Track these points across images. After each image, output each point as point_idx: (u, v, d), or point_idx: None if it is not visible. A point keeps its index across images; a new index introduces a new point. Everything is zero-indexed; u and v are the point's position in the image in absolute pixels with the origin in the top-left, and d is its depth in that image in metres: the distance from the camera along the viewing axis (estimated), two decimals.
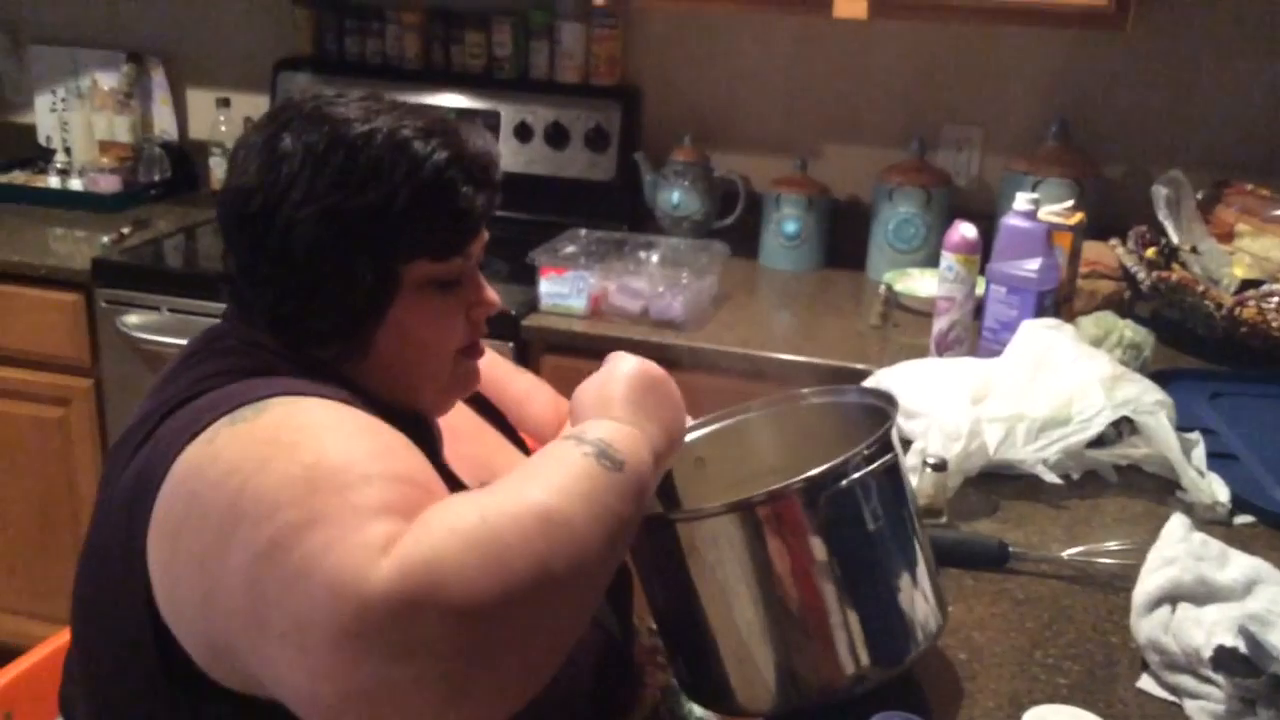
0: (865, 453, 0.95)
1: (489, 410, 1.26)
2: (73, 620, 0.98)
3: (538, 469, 0.86)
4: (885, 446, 0.97)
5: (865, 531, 0.95)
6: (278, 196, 0.94)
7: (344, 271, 0.95)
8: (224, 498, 0.80)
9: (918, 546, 1.00)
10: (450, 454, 1.08)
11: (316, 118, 0.97)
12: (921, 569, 1.00)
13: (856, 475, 0.94)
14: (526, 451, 1.27)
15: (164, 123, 2.94)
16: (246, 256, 0.98)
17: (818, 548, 0.94)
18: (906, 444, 1.41)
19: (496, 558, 0.75)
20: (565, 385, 1.50)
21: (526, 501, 0.80)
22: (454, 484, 0.99)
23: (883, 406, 1.07)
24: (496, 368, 1.34)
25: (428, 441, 1.01)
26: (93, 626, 0.95)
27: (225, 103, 2.76)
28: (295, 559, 0.75)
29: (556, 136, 2.58)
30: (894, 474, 0.99)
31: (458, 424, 1.15)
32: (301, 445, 0.81)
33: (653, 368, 1.00)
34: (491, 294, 1.06)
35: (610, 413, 0.94)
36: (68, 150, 2.91)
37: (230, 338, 1.00)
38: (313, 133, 0.95)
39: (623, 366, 0.99)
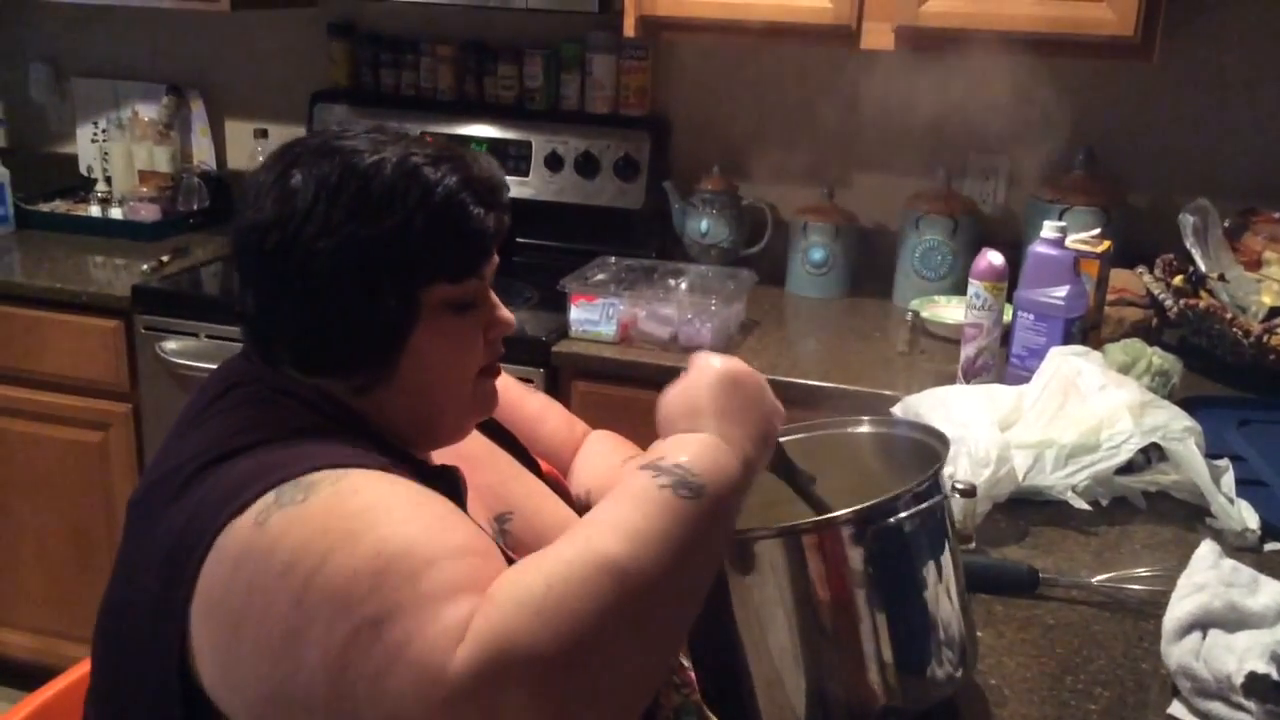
0: (917, 490, 0.96)
1: (500, 434, 1.27)
2: (93, 668, 0.99)
3: (613, 510, 0.84)
4: (935, 485, 0.99)
5: (909, 567, 0.97)
6: (294, 230, 0.94)
7: (366, 300, 0.95)
8: (288, 594, 0.81)
9: (955, 583, 1.01)
10: (468, 484, 1.08)
11: (326, 151, 0.98)
12: (959, 605, 1.01)
13: (906, 513, 0.95)
14: (540, 473, 1.28)
15: (203, 153, 3.00)
16: (267, 293, 0.98)
17: (860, 580, 0.94)
18: None
19: (566, 623, 0.76)
20: (595, 410, 1.53)
21: (594, 557, 0.79)
22: None
23: (934, 445, 1.06)
24: (508, 390, 1.33)
25: (457, 494, 1.02)
26: (115, 679, 0.96)
27: (263, 133, 2.82)
28: (377, 654, 0.77)
29: (587, 166, 2.61)
30: (940, 512, 1.00)
31: (471, 451, 1.15)
32: (359, 534, 0.81)
33: (738, 367, 0.97)
34: (507, 314, 1.07)
35: (696, 424, 0.93)
36: (108, 180, 2.97)
37: (256, 384, 0.99)
38: (323, 165, 0.96)
39: (707, 371, 0.96)
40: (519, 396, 1.38)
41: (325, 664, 0.79)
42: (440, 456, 1.10)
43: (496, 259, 1.05)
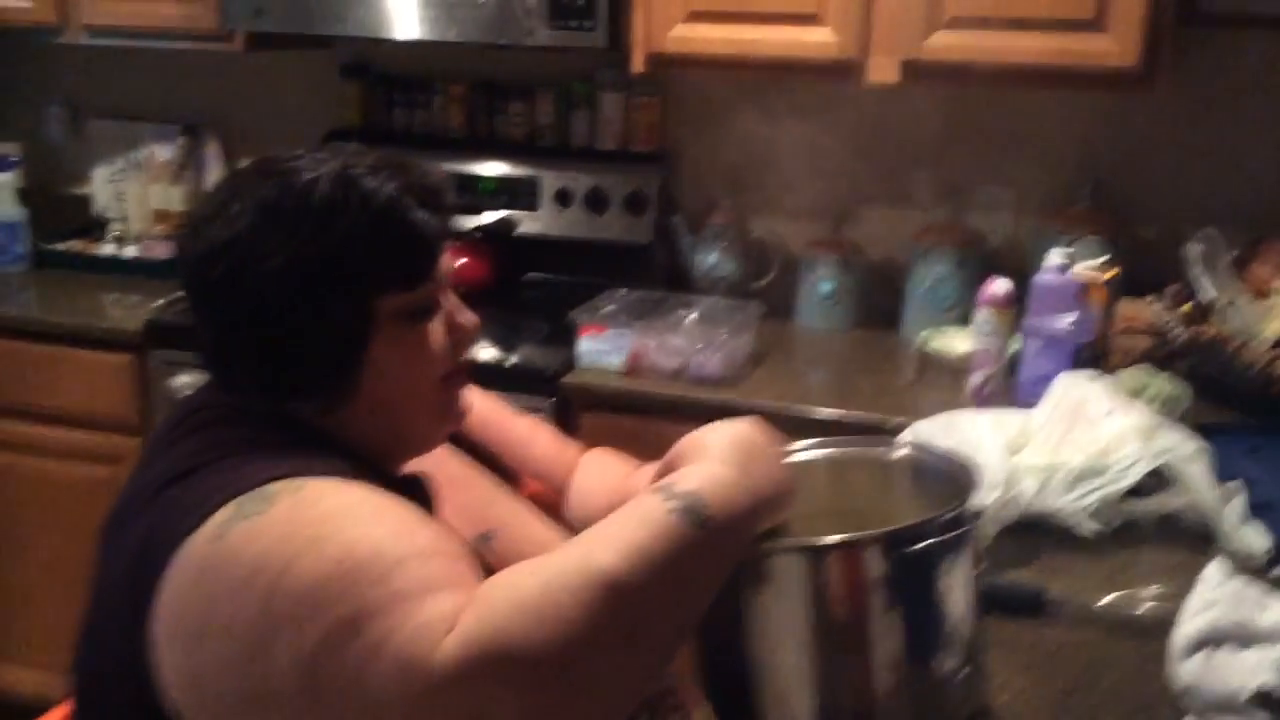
0: (946, 518, 0.96)
1: (483, 457, 1.26)
2: (73, 698, 0.98)
3: (617, 526, 0.84)
4: (964, 515, 0.98)
5: (930, 594, 0.96)
6: (240, 257, 0.93)
7: (319, 316, 0.94)
8: (253, 603, 0.80)
9: (973, 611, 1.01)
10: (446, 505, 1.07)
11: (264, 174, 0.97)
12: (973, 632, 1.01)
13: (933, 540, 0.94)
14: (524, 495, 1.27)
15: None
16: (221, 324, 0.97)
17: (879, 602, 0.94)
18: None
19: (560, 629, 0.76)
20: (604, 441, 1.54)
21: (593, 569, 0.79)
22: None
23: (964, 476, 1.06)
24: (495, 411, 1.33)
25: (425, 502, 1.01)
26: (90, 707, 0.95)
27: None
28: (355, 650, 0.76)
29: (596, 201, 2.64)
30: (965, 541, 1.00)
31: (451, 472, 1.15)
32: (322, 539, 0.81)
33: (758, 429, 0.97)
34: (470, 316, 1.05)
35: (718, 455, 0.92)
36: (123, 219, 3.01)
37: (216, 407, 0.99)
38: (262, 188, 0.96)
39: (729, 423, 0.97)
40: (506, 418, 1.37)
41: (298, 666, 0.78)
42: (419, 472, 1.08)
43: (452, 261, 1.04)
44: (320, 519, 0.83)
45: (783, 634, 0.96)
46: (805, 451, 1.16)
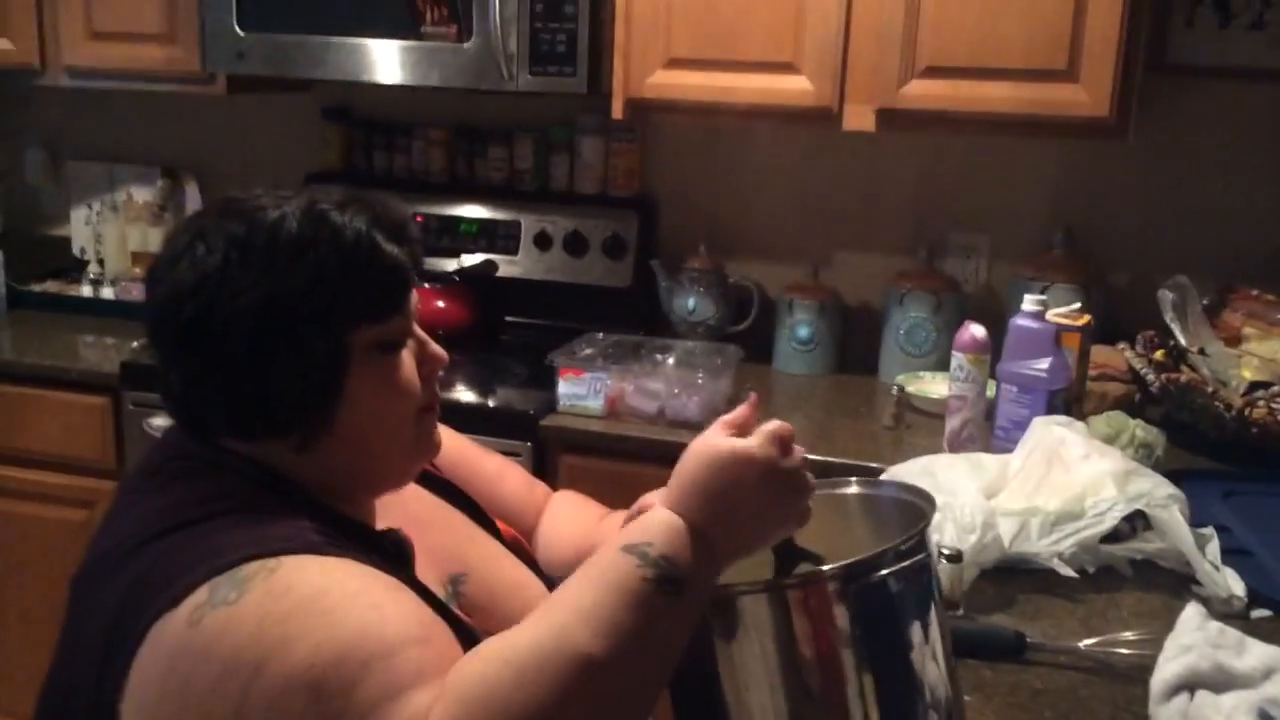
0: (902, 547, 0.96)
1: (456, 497, 1.25)
2: None
3: (590, 595, 0.83)
4: (921, 543, 0.99)
5: (894, 625, 0.96)
6: (210, 296, 0.93)
7: (294, 352, 0.94)
8: (227, 704, 0.79)
9: (942, 643, 1.01)
10: (419, 547, 1.06)
11: (229, 213, 0.97)
12: (945, 666, 1.01)
13: (891, 569, 0.94)
14: (498, 535, 1.26)
15: None
16: (192, 366, 0.95)
17: (844, 637, 0.94)
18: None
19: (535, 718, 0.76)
20: (582, 484, 1.54)
21: (570, 652, 0.78)
22: (426, 598, 0.95)
23: (920, 505, 1.06)
24: (465, 450, 1.33)
25: (403, 558, 1.00)
26: None
27: None
28: None
29: (575, 245, 2.65)
30: (926, 571, 1.00)
31: (425, 513, 1.14)
32: (290, 640, 0.80)
33: (774, 465, 0.92)
34: (436, 348, 1.05)
35: (695, 503, 0.89)
36: (101, 261, 3.00)
37: (191, 458, 0.97)
38: (230, 226, 0.95)
39: (752, 449, 0.91)
40: (476, 457, 1.36)
41: None
42: (393, 519, 1.07)
43: (417, 297, 1.04)
44: (289, 614, 0.81)
45: (750, 676, 0.95)
46: None
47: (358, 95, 2.85)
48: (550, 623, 0.81)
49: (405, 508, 1.10)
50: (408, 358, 1.02)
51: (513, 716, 0.75)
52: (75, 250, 3.10)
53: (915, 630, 0.97)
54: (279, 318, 0.93)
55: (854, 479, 1.18)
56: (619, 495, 1.37)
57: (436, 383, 1.06)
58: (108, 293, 2.86)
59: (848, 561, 0.94)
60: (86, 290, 2.89)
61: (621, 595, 0.82)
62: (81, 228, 3.11)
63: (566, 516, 1.38)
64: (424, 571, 1.03)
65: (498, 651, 0.79)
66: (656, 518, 0.89)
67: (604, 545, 0.89)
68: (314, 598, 0.83)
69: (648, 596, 0.83)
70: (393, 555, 0.98)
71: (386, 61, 2.35)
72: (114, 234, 2.99)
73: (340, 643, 0.79)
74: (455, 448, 1.13)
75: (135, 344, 2.51)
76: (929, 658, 0.98)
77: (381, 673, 0.78)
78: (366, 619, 0.82)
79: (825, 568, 0.94)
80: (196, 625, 0.82)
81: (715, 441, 0.92)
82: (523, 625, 0.82)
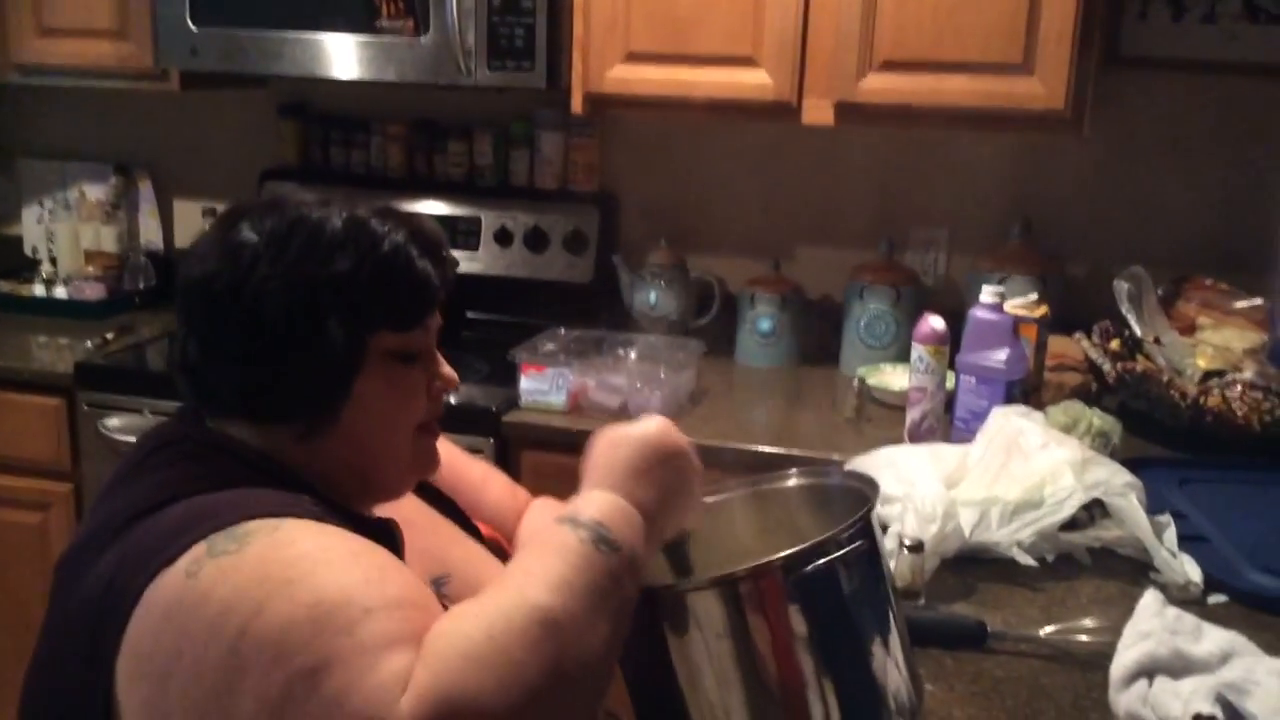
0: (846, 533, 0.97)
1: (440, 501, 1.27)
2: None
3: (537, 562, 0.87)
4: (865, 528, 0.99)
5: (844, 611, 0.97)
6: (244, 273, 0.96)
7: (313, 340, 0.97)
8: (223, 643, 0.80)
9: (895, 628, 1.02)
10: (408, 549, 1.08)
11: (273, 206, 1.01)
12: (899, 650, 1.01)
13: (836, 554, 0.95)
14: (481, 539, 1.28)
15: (150, 233, 3.00)
16: (213, 338, 0.99)
17: (797, 626, 0.95)
18: (883, 527, 1.44)
19: (510, 674, 0.77)
20: (545, 480, 1.53)
21: (529, 608, 0.81)
22: None
23: (864, 490, 1.08)
24: (451, 455, 1.34)
25: (395, 547, 1.02)
26: None
27: (212, 212, 2.82)
28: (314, 706, 0.76)
29: (536, 240, 2.64)
30: (873, 555, 1.01)
31: (411, 516, 1.15)
32: (295, 583, 0.81)
33: (670, 439, 1.01)
34: (449, 370, 1.09)
35: (610, 480, 0.96)
36: (53, 260, 2.95)
37: (187, 440, 0.99)
38: (272, 218, 0.99)
39: (640, 429, 1.00)
40: (462, 464, 1.39)
41: (259, 714, 0.77)
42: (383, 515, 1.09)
43: (440, 320, 1.08)
44: (294, 560, 0.84)
45: (706, 672, 0.96)
46: (713, 496, 1.17)
47: (314, 91, 2.82)
48: (507, 586, 0.85)
49: (394, 509, 1.11)
50: (420, 372, 1.05)
51: (490, 674, 0.77)
52: (27, 249, 3.05)
53: (866, 617, 0.98)
54: (304, 304, 0.97)
55: (794, 470, 1.18)
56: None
57: (442, 403, 1.10)
58: (61, 292, 2.81)
59: (793, 550, 0.95)
60: (39, 290, 2.84)
61: (564, 556, 0.87)
62: (34, 226, 3.06)
63: (536, 524, 1.38)
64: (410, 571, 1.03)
65: (467, 613, 0.82)
66: (578, 497, 0.96)
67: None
68: (318, 549, 0.86)
69: (588, 555, 0.87)
70: (386, 545, 0.98)
71: (343, 56, 2.33)
72: (67, 232, 2.94)
73: (344, 588, 0.82)
74: (443, 454, 1.14)
75: (90, 344, 2.47)
76: (884, 645, 0.99)
77: (383, 621, 0.80)
78: (369, 574, 0.84)
79: (771, 558, 0.95)
80: (194, 576, 0.83)
81: (614, 427, 1.02)
82: (485, 592, 0.85)
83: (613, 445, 0.99)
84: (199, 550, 0.84)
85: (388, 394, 1.02)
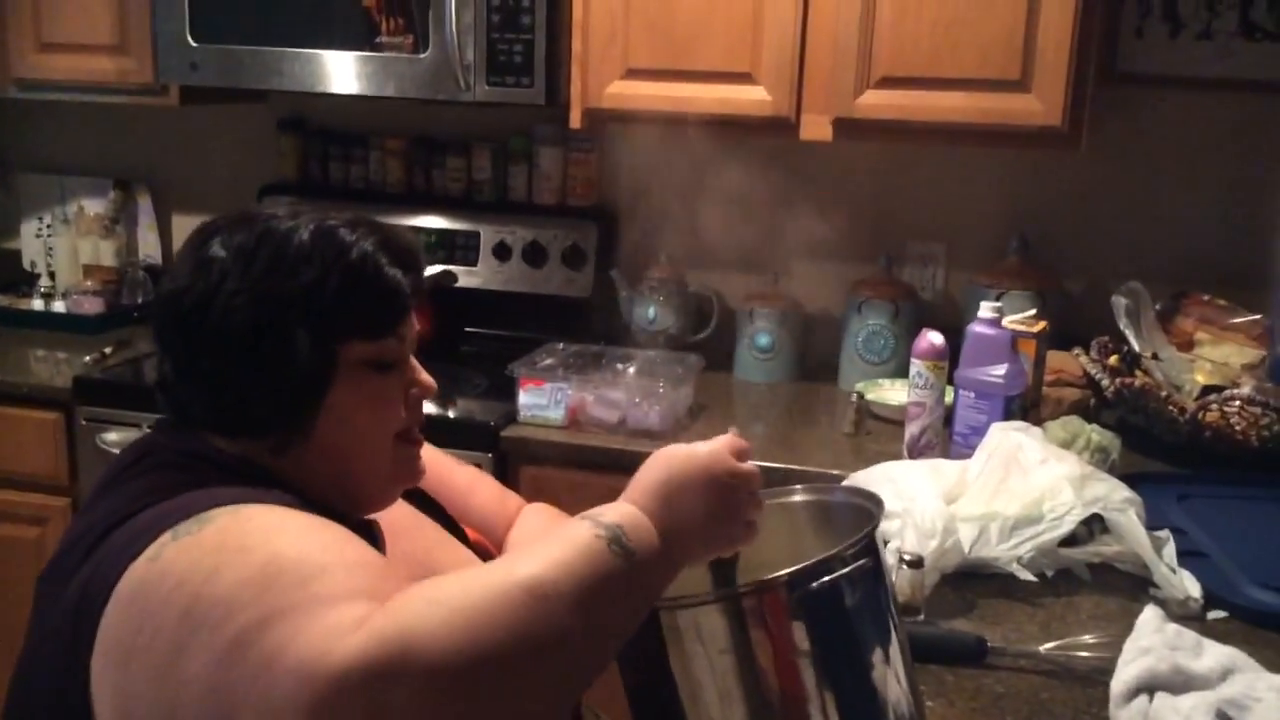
0: (851, 550, 0.96)
1: (429, 506, 1.26)
2: None
3: (543, 545, 0.86)
4: (870, 546, 0.99)
5: (847, 628, 0.97)
6: (211, 289, 0.96)
7: (282, 351, 0.96)
8: (176, 610, 0.79)
9: (897, 644, 1.01)
10: (390, 552, 1.07)
11: (243, 220, 1.01)
12: (901, 667, 1.01)
13: (841, 571, 0.95)
14: (469, 544, 1.27)
15: (149, 247, 3.00)
16: (183, 353, 0.99)
17: (800, 642, 0.94)
18: (883, 542, 1.43)
19: (470, 625, 0.75)
20: (544, 495, 1.53)
21: (515, 574, 0.80)
22: None
23: (868, 507, 1.08)
24: (437, 462, 1.34)
25: (372, 542, 1.01)
26: None
27: None
28: (261, 651, 0.74)
29: (534, 255, 2.65)
30: (877, 573, 1.00)
31: (396, 520, 1.15)
32: (251, 548, 0.81)
33: (718, 464, 0.96)
34: (427, 377, 1.08)
35: (636, 496, 0.93)
36: (52, 274, 2.95)
37: (166, 451, 0.99)
38: (241, 233, 0.99)
39: (689, 450, 0.96)
40: (448, 469, 1.38)
41: (207, 670, 0.76)
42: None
43: (416, 327, 1.07)
44: (251, 531, 0.84)
45: (707, 686, 0.95)
46: None
47: (313, 106, 2.83)
48: (506, 556, 0.86)
49: (381, 514, 1.10)
50: (396, 381, 1.04)
51: (448, 624, 0.75)
52: (26, 264, 3.05)
53: (869, 634, 0.98)
54: (271, 318, 0.96)
55: (799, 486, 1.18)
56: (581, 505, 1.34)
57: (421, 410, 1.08)
58: (59, 306, 2.81)
59: (797, 567, 0.94)
60: (38, 304, 2.84)
61: (572, 543, 0.85)
62: (32, 240, 3.06)
63: (534, 527, 1.38)
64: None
65: (451, 574, 0.81)
66: (612, 504, 0.94)
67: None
68: (277, 523, 0.86)
69: (597, 550, 0.86)
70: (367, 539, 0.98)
71: (342, 72, 2.34)
72: (65, 247, 2.95)
73: (301, 550, 0.82)
74: (428, 459, 1.14)
75: (88, 359, 2.47)
76: (886, 662, 0.99)
77: (339, 577, 0.79)
78: (329, 542, 0.84)
79: (775, 575, 0.94)
80: (156, 559, 0.83)
81: (672, 447, 0.97)
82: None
83: (654, 462, 0.96)
84: (164, 538, 0.85)
85: (363, 404, 1.01)
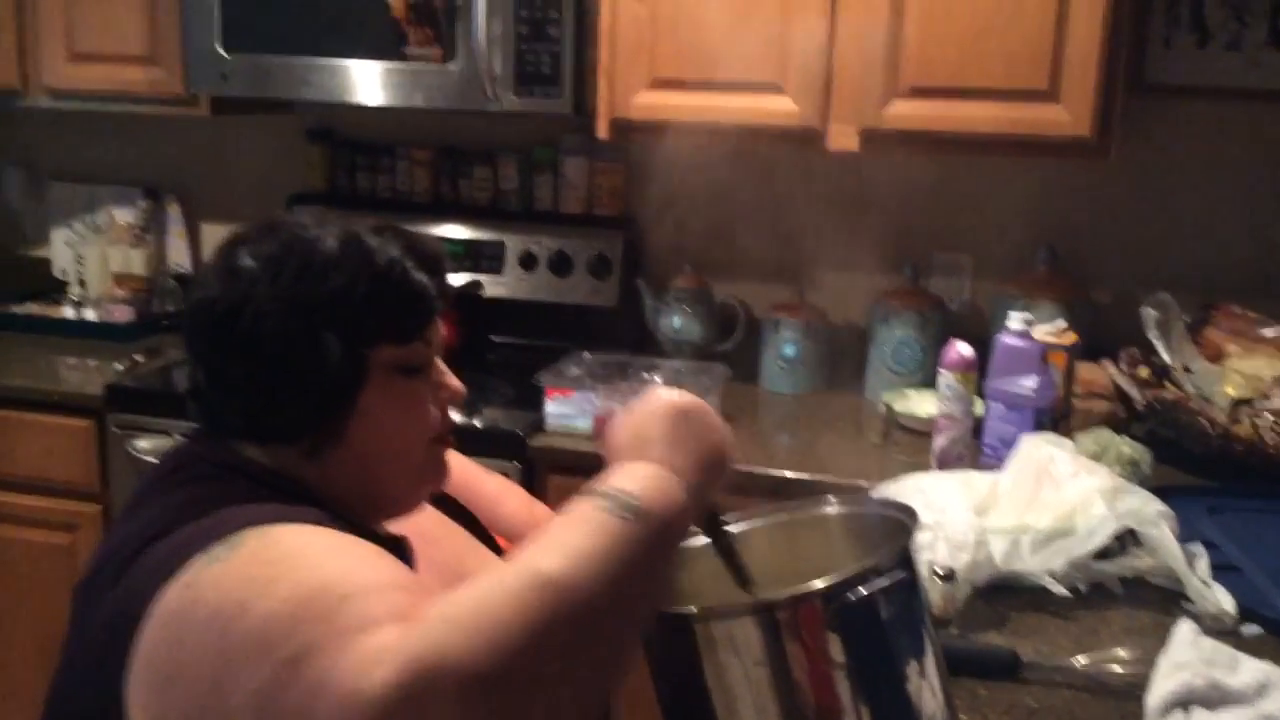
0: (887, 562, 0.96)
1: (459, 513, 1.27)
2: None
3: (552, 531, 0.86)
4: (906, 558, 0.99)
5: (883, 641, 0.96)
6: (241, 297, 0.98)
7: (313, 356, 0.98)
8: (211, 645, 0.81)
9: (933, 658, 1.01)
10: (422, 559, 1.07)
11: (270, 229, 1.03)
12: (936, 680, 1.01)
13: (877, 583, 0.94)
14: (499, 552, 1.27)
15: (179, 256, 3.02)
16: (215, 361, 1.01)
17: (835, 654, 0.94)
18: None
19: (492, 634, 0.75)
20: None
21: (528, 572, 0.80)
22: None
23: (902, 519, 1.07)
24: (466, 469, 1.35)
25: (402, 558, 1.01)
26: None
27: None
28: (298, 693, 0.76)
29: (560, 265, 2.65)
30: (913, 585, 1.00)
31: (426, 527, 1.15)
32: (276, 579, 0.82)
33: (686, 398, 1.00)
34: (456, 381, 1.10)
35: (644, 452, 0.94)
36: (82, 283, 2.98)
37: (202, 462, 1.01)
38: (269, 242, 1.01)
39: (655, 402, 0.99)
40: (477, 477, 1.39)
41: (250, 708, 0.77)
42: (399, 531, 1.08)
43: (443, 331, 1.09)
44: (278, 559, 0.84)
45: (742, 699, 0.95)
46: (746, 522, 1.16)
47: (341, 116, 2.85)
48: (513, 557, 0.84)
49: (411, 521, 1.12)
50: (424, 385, 1.06)
51: (474, 635, 0.75)
52: (56, 272, 3.08)
53: (905, 648, 0.97)
54: (302, 324, 0.98)
55: (831, 497, 1.18)
56: None
57: (450, 415, 1.10)
58: (90, 314, 2.84)
59: (833, 578, 0.94)
60: (68, 312, 2.87)
61: (579, 524, 0.85)
62: (62, 249, 3.09)
63: None
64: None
65: (466, 584, 0.81)
66: (607, 474, 0.93)
67: None
68: (303, 548, 0.86)
69: (604, 522, 0.85)
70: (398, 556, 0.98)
71: (370, 83, 2.35)
72: (95, 255, 2.97)
73: (323, 578, 0.82)
74: (458, 466, 1.15)
75: (119, 366, 2.49)
76: (921, 675, 0.98)
77: (361, 604, 0.79)
78: (351, 565, 0.85)
79: (810, 585, 0.93)
80: (191, 585, 0.84)
81: (622, 412, 1.00)
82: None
83: (633, 422, 0.98)
84: (199, 562, 0.85)
85: (393, 407, 1.02)
